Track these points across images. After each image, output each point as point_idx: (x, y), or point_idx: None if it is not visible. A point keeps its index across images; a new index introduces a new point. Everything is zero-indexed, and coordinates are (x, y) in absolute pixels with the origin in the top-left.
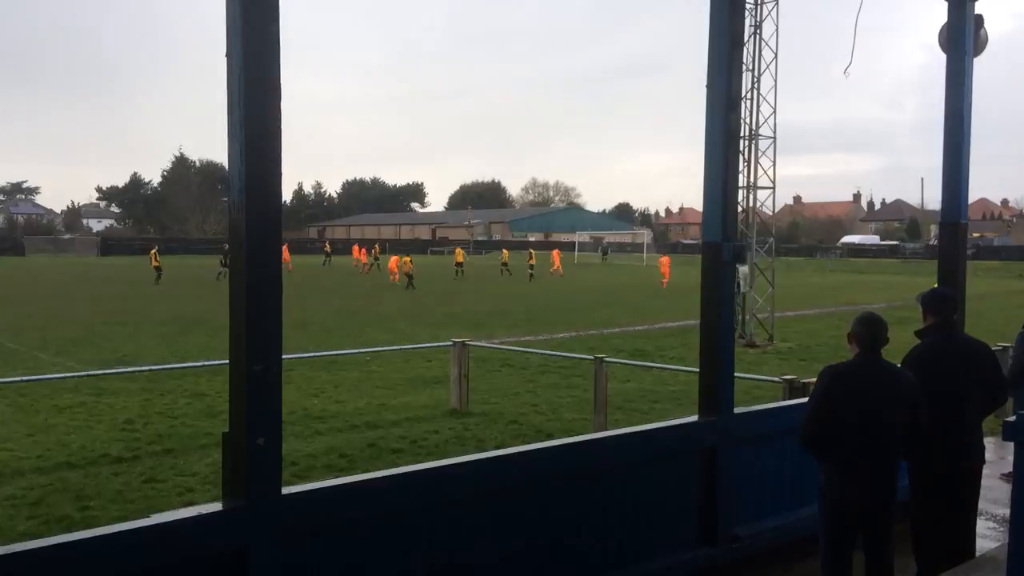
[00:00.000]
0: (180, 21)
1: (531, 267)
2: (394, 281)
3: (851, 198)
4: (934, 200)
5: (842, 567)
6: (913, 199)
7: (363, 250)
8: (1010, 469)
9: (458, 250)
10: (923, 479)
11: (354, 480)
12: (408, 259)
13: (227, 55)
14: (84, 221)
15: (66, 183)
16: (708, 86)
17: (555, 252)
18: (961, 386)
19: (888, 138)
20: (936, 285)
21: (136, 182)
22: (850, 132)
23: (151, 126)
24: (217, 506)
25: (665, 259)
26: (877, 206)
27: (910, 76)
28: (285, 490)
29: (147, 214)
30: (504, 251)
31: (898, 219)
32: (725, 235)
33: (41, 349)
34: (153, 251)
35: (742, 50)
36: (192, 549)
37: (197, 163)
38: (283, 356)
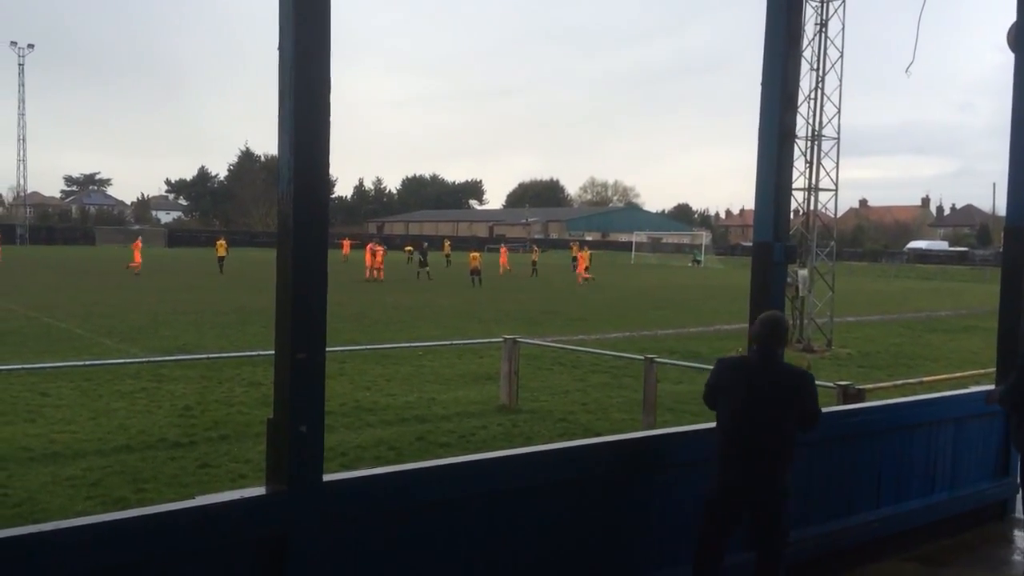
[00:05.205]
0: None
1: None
2: (373, 277)
3: (919, 202)
4: None
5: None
6: (985, 204)
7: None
8: None
9: (535, 248)
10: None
11: (396, 469)
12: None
13: (279, 47)
14: (153, 212)
15: (136, 175)
16: (763, 83)
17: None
18: None
19: (959, 141)
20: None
21: (203, 175)
22: (919, 134)
23: (219, 121)
24: (260, 490)
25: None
26: (947, 211)
27: (984, 77)
28: (327, 477)
29: (213, 207)
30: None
31: (968, 225)
32: (777, 235)
33: (107, 336)
34: (220, 241)
35: (799, 47)
36: (233, 529)
37: (263, 157)
38: (337, 349)
